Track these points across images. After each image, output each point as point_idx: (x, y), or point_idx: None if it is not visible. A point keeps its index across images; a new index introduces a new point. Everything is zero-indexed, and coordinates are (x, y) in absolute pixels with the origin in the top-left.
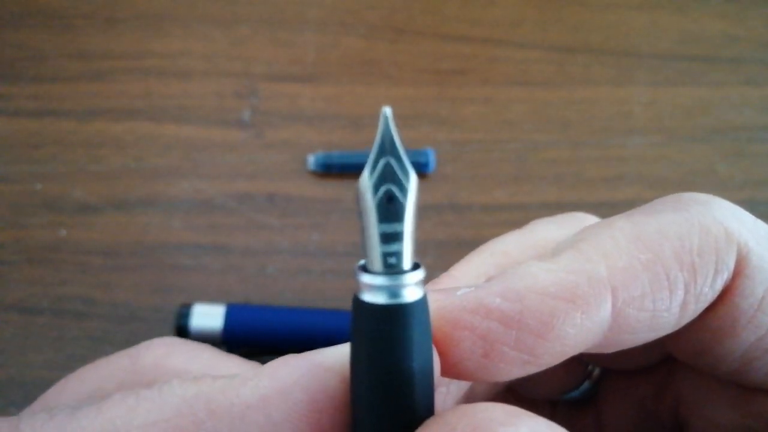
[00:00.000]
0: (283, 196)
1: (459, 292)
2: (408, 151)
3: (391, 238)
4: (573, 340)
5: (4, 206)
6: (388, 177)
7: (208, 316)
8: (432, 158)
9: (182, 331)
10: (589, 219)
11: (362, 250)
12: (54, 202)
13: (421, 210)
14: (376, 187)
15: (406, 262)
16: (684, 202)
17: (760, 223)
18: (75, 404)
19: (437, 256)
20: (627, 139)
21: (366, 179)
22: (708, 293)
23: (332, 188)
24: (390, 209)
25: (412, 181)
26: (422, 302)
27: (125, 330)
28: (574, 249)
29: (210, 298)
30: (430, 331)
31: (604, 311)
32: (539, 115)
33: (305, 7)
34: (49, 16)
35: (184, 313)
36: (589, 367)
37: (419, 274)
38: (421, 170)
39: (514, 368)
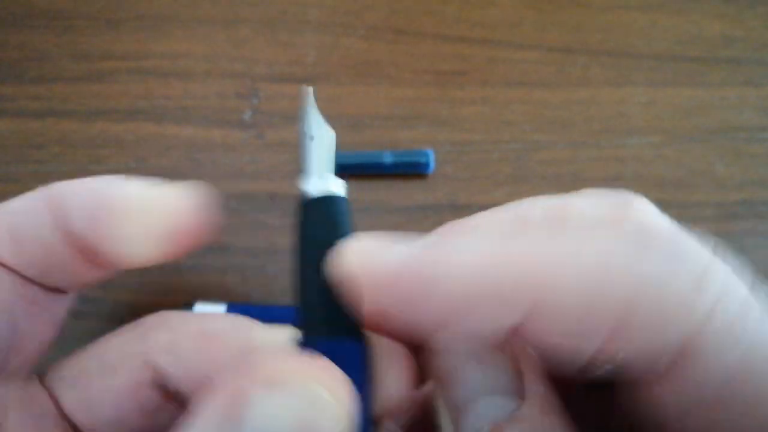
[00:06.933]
0: (284, 196)
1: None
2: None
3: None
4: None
5: None
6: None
7: None
8: (431, 159)
9: None
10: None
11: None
12: None
13: (421, 210)
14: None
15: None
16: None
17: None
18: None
19: None
20: (625, 140)
21: (303, 126)
22: None
23: None
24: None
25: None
26: (344, 198)
27: None
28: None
29: (211, 298)
30: (348, 218)
31: None
32: (538, 115)
33: (306, 8)
34: (51, 17)
35: None
36: None
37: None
38: (421, 171)
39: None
